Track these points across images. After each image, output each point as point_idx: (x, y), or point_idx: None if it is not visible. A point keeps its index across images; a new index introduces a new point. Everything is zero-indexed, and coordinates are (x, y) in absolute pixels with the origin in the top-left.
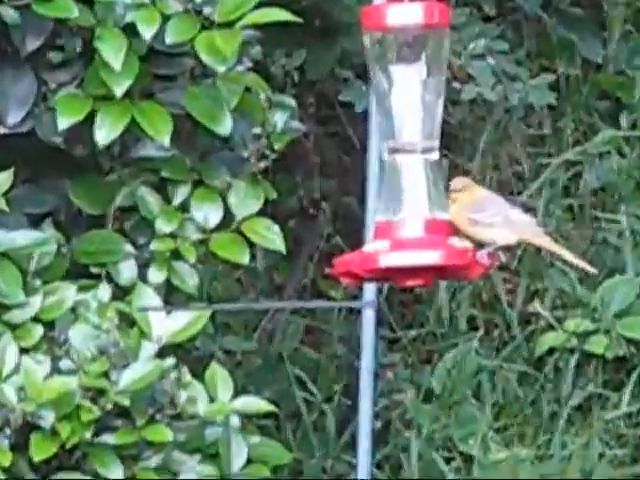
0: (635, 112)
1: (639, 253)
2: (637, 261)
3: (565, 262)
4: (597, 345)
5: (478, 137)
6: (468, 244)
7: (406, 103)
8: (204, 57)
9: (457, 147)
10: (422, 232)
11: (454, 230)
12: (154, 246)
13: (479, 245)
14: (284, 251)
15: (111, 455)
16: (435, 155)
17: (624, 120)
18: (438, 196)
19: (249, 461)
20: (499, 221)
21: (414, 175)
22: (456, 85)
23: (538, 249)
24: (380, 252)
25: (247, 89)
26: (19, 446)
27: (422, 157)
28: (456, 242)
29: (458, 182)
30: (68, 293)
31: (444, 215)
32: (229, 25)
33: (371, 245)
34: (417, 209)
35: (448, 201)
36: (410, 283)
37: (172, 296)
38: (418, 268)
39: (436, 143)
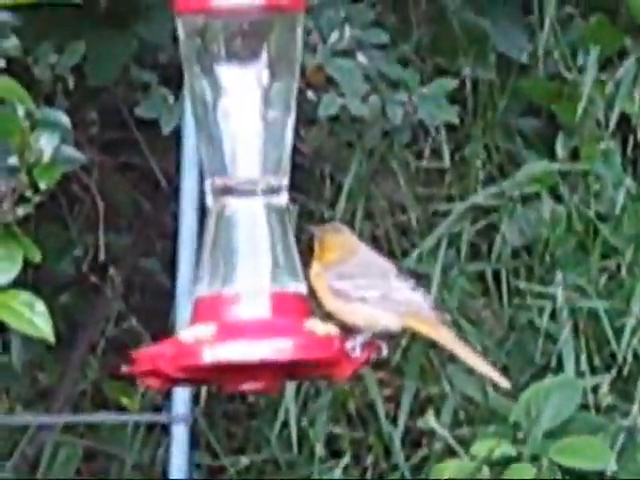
0: (577, 135)
1: (582, 342)
2: (579, 354)
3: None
4: (520, 478)
5: (343, 172)
6: (332, 329)
7: (239, 122)
8: None
9: (312, 186)
10: (265, 311)
11: (312, 307)
12: None
13: (347, 329)
14: (52, 339)
15: None
16: (282, 198)
17: (560, 147)
18: (288, 258)
19: None
20: (375, 297)
21: (252, 227)
22: (311, 95)
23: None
24: (204, 342)
25: None
26: None
27: (264, 201)
28: (316, 326)
29: (328, 229)
30: None
31: (297, 286)
32: None
33: (189, 331)
34: (257, 278)
35: (304, 262)
36: (245, 387)
37: None
38: (259, 365)
39: (284, 181)
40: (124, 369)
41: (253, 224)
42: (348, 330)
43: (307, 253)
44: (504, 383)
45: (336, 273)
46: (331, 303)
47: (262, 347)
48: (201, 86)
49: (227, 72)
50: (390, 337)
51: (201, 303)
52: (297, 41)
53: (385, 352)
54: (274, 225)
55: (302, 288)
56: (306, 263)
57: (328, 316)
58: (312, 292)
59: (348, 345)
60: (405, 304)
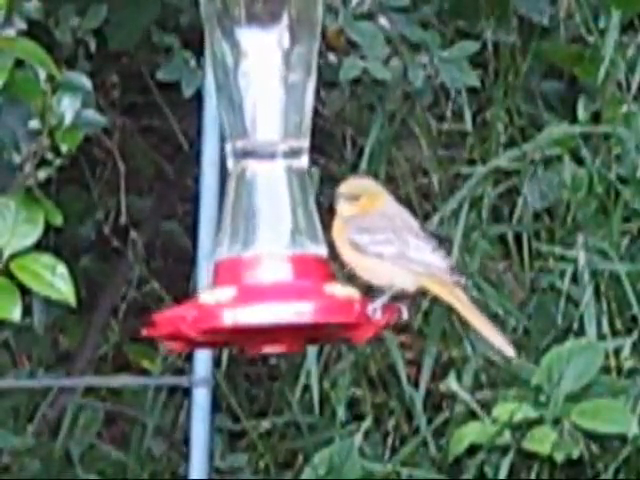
0: (599, 98)
1: (603, 305)
2: (600, 317)
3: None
4: (541, 442)
5: (364, 135)
6: (353, 292)
7: (260, 85)
8: None
9: (333, 149)
10: (286, 274)
11: (333, 270)
12: None
13: (367, 290)
14: (74, 302)
15: None
16: (303, 161)
17: (582, 110)
18: (308, 221)
19: None
20: (391, 253)
21: (273, 190)
22: (332, 59)
23: None
24: (224, 305)
25: (19, 62)
26: None
27: (285, 164)
28: (336, 289)
29: (353, 184)
30: None
31: (317, 249)
32: None
33: (210, 294)
34: (278, 241)
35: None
36: (266, 350)
37: None
38: (279, 328)
39: (305, 144)
40: (145, 332)
41: (273, 187)
42: (369, 289)
43: (328, 216)
44: (510, 352)
45: (356, 226)
46: (351, 257)
47: (282, 310)
48: (222, 49)
49: (248, 35)
50: (411, 300)
51: (221, 266)
52: (318, 4)
53: (406, 315)
54: (294, 188)
55: (323, 251)
56: (327, 226)
57: (349, 276)
58: (333, 250)
59: (369, 308)
60: (423, 264)
